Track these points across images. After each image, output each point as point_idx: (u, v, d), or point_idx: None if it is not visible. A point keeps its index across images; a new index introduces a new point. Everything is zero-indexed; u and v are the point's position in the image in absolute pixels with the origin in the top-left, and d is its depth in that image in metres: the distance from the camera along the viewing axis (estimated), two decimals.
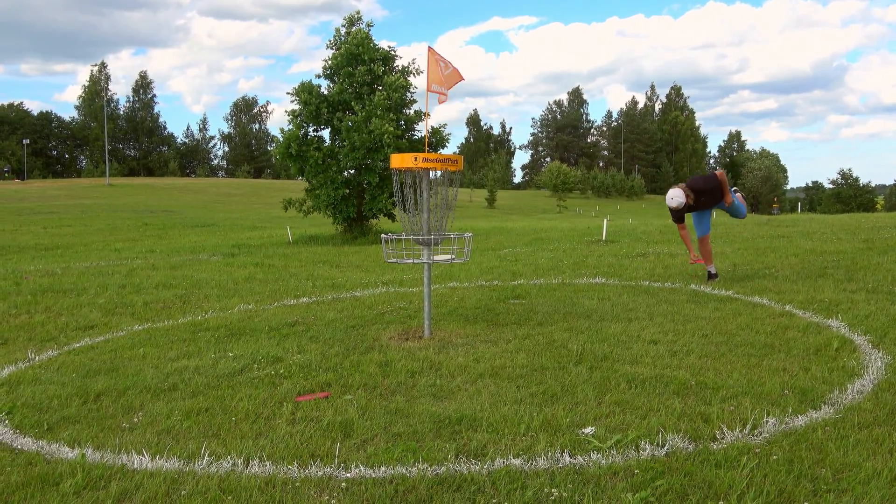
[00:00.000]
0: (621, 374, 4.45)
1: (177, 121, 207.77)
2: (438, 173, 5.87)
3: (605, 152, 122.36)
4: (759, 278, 8.16)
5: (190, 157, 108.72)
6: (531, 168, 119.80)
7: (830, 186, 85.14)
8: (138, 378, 4.79)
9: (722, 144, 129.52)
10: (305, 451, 3.37)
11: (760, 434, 3.39)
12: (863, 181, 79.34)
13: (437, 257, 5.82)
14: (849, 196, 75.82)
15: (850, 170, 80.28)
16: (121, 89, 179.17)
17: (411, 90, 19.46)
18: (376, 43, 19.26)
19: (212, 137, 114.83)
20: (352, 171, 19.14)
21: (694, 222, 8.20)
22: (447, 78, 5.86)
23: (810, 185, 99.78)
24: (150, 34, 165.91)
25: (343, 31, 19.55)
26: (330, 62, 19.34)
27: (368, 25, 19.50)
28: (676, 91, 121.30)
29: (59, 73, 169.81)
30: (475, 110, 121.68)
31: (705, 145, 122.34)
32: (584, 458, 3.18)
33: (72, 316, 7.31)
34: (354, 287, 8.88)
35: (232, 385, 4.55)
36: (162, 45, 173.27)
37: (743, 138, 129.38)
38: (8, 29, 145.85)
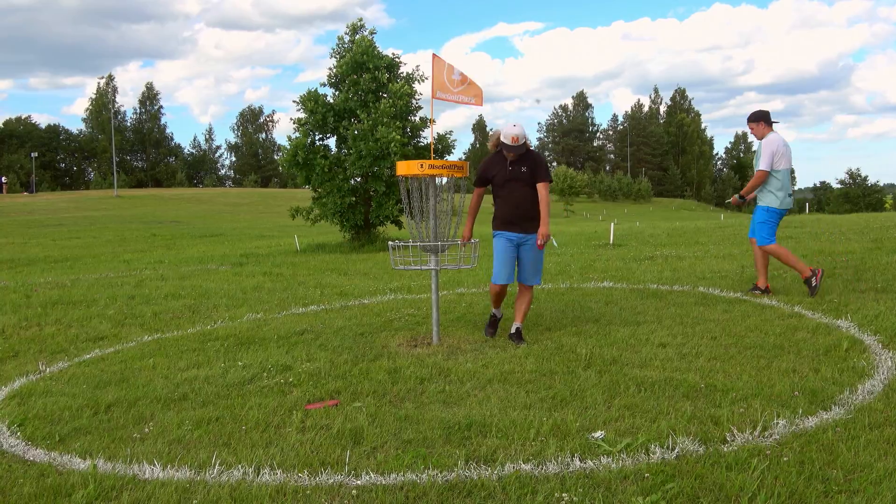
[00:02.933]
0: (630, 377, 4.44)
1: (184, 132, 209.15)
2: (445, 180, 5.88)
3: (612, 156, 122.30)
4: (768, 280, 8.12)
5: (197, 168, 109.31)
6: None
7: (838, 186, 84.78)
8: (148, 388, 4.81)
9: (729, 146, 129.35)
10: (316, 459, 3.38)
11: (771, 436, 3.38)
12: (871, 180, 79.01)
13: (445, 264, 5.83)
14: (857, 196, 75.47)
15: (858, 169, 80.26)
16: (128, 101, 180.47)
17: (416, 97, 19.51)
18: (381, 50, 19.33)
19: (218, 147, 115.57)
20: (358, 179, 19.18)
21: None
22: (458, 83, 5.82)
23: (818, 185, 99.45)
24: (158, 46, 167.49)
25: (346, 38, 19.63)
26: (335, 70, 19.41)
27: (371, 33, 19.57)
28: (681, 94, 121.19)
29: (68, 86, 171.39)
30: (481, 116, 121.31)
31: (712, 147, 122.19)
32: (594, 463, 3.18)
33: (82, 327, 7.35)
34: (363, 295, 8.89)
35: (242, 394, 4.56)
36: (169, 56, 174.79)
37: (749, 139, 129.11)
38: (17, 44, 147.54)
